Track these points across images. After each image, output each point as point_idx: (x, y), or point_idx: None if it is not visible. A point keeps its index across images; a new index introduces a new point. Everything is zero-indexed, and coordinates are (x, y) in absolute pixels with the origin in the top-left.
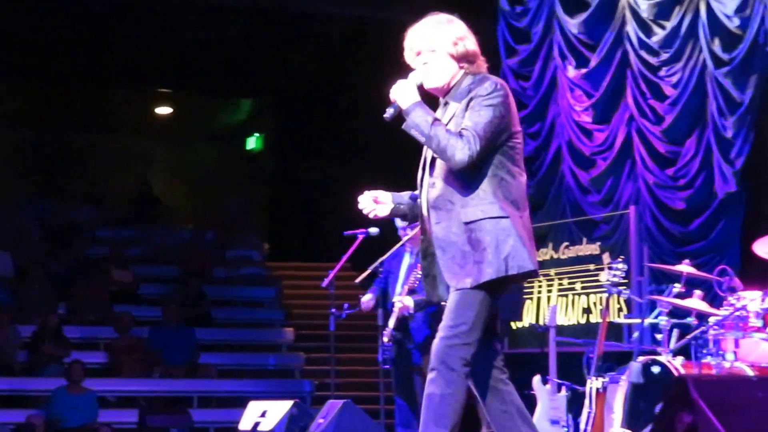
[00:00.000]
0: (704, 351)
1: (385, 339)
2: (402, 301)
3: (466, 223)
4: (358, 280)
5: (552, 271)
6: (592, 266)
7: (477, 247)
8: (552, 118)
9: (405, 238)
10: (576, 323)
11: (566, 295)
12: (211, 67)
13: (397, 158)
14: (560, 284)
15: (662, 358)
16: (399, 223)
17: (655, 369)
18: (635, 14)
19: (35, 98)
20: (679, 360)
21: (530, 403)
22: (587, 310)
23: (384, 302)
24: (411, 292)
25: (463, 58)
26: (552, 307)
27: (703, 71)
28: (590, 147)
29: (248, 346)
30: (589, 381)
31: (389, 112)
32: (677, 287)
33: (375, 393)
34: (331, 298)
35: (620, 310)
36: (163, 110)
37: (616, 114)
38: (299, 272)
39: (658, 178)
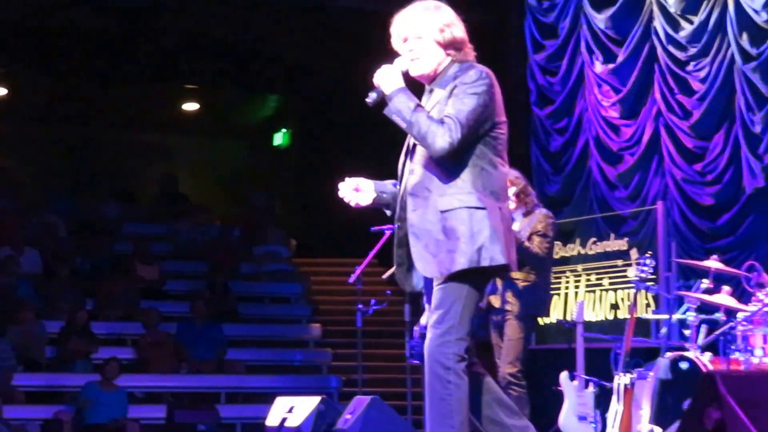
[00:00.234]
0: (732, 347)
1: (416, 335)
2: None
3: (442, 212)
4: (384, 276)
5: (579, 267)
6: (619, 262)
7: (451, 236)
8: (579, 114)
9: None
10: (604, 319)
11: (594, 291)
12: (238, 62)
13: None
14: (588, 280)
15: (690, 354)
16: None
17: (683, 365)
18: (663, 9)
19: (61, 95)
20: (707, 356)
21: (558, 399)
22: (615, 306)
23: (413, 298)
24: None
25: (450, 45)
26: (579, 303)
27: (731, 66)
28: (618, 142)
29: (275, 342)
30: (616, 377)
31: (371, 97)
32: (705, 283)
33: (402, 389)
34: (358, 294)
35: (648, 305)
36: (190, 106)
37: (644, 109)
38: (326, 268)
39: (685, 173)
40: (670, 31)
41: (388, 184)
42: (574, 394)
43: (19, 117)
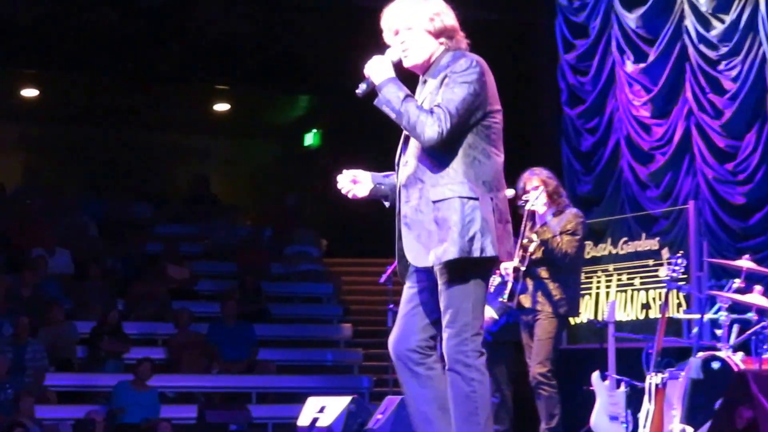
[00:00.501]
0: (765, 346)
1: None
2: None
3: (434, 202)
4: None
5: (611, 267)
6: (651, 261)
7: (443, 225)
8: (610, 113)
9: None
10: (635, 319)
11: (625, 291)
12: (269, 63)
13: None
14: (619, 280)
15: (722, 354)
16: None
17: (715, 365)
18: (694, 8)
19: (93, 95)
20: (739, 355)
21: (589, 399)
22: (646, 306)
23: None
24: None
25: (441, 34)
26: (611, 302)
27: (762, 65)
28: (649, 142)
29: (306, 342)
30: (648, 377)
31: (362, 87)
32: (737, 282)
33: None
34: (389, 293)
35: (680, 305)
36: (221, 106)
37: (675, 108)
38: (357, 268)
39: (717, 172)
40: (702, 30)
41: (385, 176)
42: (606, 393)
43: (50, 118)
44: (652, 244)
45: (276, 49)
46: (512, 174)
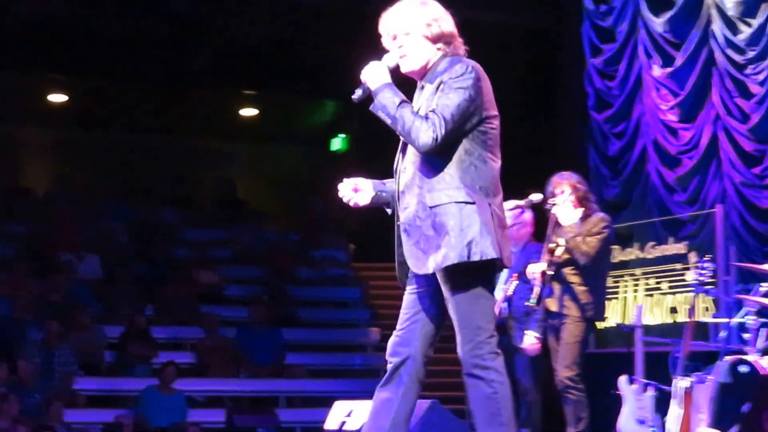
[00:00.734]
0: None
1: None
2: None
3: (431, 207)
4: None
5: (638, 271)
6: (678, 265)
7: (440, 231)
8: (637, 118)
9: None
10: (662, 323)
11: (652, 295)
12: (296, 68)
13: None
14: (646, 284)
15: (750, 358)
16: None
17: (743, 368)
18: (721, 12)
19: (121, 100)
20: (766, 359)
21: (617, 403)
22: (674, 310)
23: None
24: (507, 300)
25: (439, 39)
26: (638, 306)
27: None
28: (676, 146)
29: (334, 346)
30: (675, 381)
31: (357, 93)
32: (765, 286)
33: (461, 393)
34: None
35: (707, 309)
36: (249, 112)
37: (702, 113)
38: (385, 272)
39: (744, 176)
40: (729, 35)
41: (386, 183)
42: (634, 397)
43: (79, 123)
44: (680, 248)
45: (303, 54)
46: (541, 178)
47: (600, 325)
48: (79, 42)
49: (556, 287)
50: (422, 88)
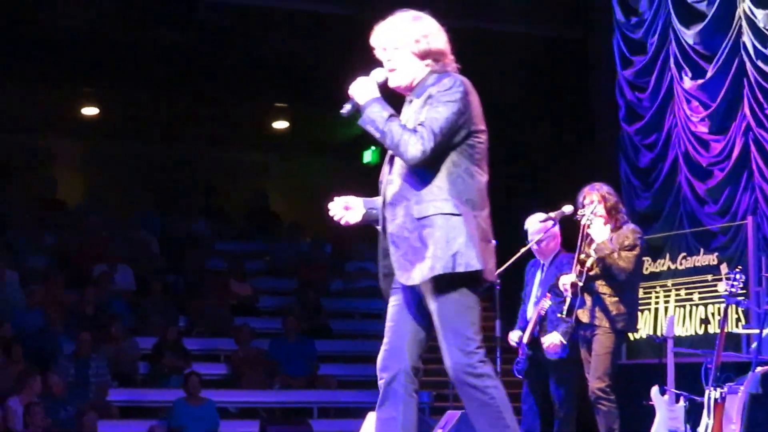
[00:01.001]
0: None
1: (513, 341)
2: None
3: (418, 219)
4: None
5: (669, 282)
6: (709, 277)
7: (427, 242)
8: (668, 129)
9: (523, 250)
10: (694, 334)
11: (684, 306)
12: (328, 80)
13: (509, 170)
14: (678, 295)
15: None
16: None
17: None
18: (751, 24)
19: (153, 113)
20: None
21: (649, 413)
22: (705, 321)
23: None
24: (541, 318)
25: (427, 56)
26: (669, 317)
27: None
28: (707, 158)
29: (367, 357)
30: (707, 391)
31: (346, 108)
32: None
33: None
34: None
35: (738, 320)
36: (280, 124)
37: (733, 124)
38: None
39: None
40: (759, 46)
41: (376, 201)
42: (665, 408)
43: (111, 136)
44: (711, 259)
45: (335, 66)
46: (573, 190)
47: (632, 336)
48: (112, 55)
49: (588, 298)
50: (410, 101)
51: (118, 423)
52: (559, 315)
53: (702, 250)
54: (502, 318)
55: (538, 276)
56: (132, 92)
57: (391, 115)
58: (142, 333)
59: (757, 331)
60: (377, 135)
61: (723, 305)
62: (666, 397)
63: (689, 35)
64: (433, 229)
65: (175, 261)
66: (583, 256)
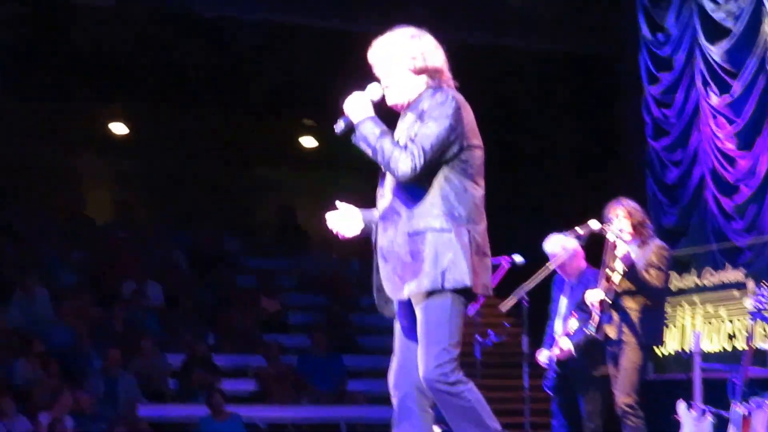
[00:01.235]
0: None
1: (543, 362)
2: (563, 347)
3: (409, 234)
4: (502, 308)
5: (696, 298)
6: (736, 292)
7: (416, 258)
8: (695, 146)
9: (549, 266)
10: (721, 349)
11: (711, 322)
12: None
13: (537, 187)
14: (705, 311)
15: None
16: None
17: None
18: None
19: (181, 130)
20: None
21: (676, 428)
22: (732, 336)
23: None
24: (568, 335)
25: (423, 73)
26: (696, 333)
27: None
28: (733, 174)
29: None
30: (734, 407)
31: (340, 125)
32: None
33: (521, 419)
34: (476, 325)
35: (765, 336)
36: (308, 141)
37: (760, 140)
38: None
39: None
40: None
41: (374, 213)
42: (692, 423)
43: (140, 153)
44: (738, 275)
45: (361, 84)
46: (600, 206)
47: (658, 351)
48: (140, 73)
49: (615, 314)
50: (404, 116)
51: None
52: (586, 330)
53: (728, 266)
54: (529, 334)
55: (566, 292)
56: (161, 110)
57: (382, 132)
58: (171, 349)
59: None
60: (369, 152)
61: (750, 321)
62: (693, 412)
63: (715, 52)
64: (423, 245)
65: (204, 277)
66: (608, 271)
